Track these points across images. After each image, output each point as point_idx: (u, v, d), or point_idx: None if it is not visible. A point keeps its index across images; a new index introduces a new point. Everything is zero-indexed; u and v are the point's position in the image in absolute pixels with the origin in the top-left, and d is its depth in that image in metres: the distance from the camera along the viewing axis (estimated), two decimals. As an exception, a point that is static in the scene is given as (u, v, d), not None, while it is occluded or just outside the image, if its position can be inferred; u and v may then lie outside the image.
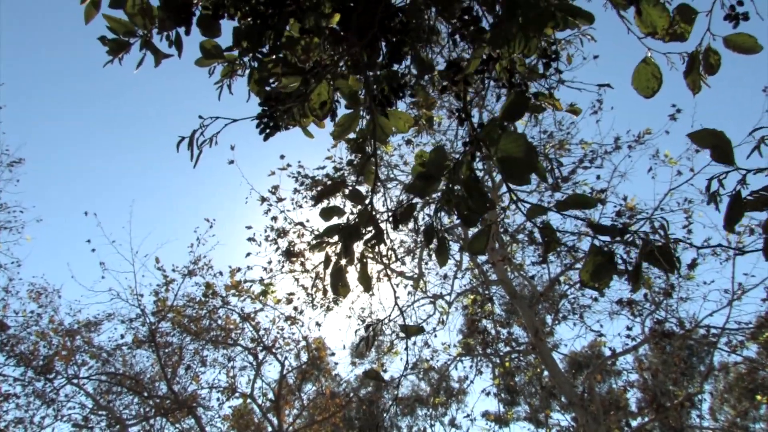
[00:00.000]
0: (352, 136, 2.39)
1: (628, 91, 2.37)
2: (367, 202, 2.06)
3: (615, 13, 2.37)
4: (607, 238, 1.71)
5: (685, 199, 9.59)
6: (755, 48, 2.20)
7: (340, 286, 2.01)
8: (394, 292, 2.46)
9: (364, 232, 2.04)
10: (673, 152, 10.34)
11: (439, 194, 1.95)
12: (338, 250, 2.01)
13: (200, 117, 2.25)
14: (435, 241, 2.04)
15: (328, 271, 2.01)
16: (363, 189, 2.24)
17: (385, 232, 2.08)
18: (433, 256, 11.24)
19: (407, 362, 3.06)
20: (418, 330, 2.43)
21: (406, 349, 2.70)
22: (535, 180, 10.47)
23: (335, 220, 2.09)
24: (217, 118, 2.27)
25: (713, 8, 2.22)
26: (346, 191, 2.13)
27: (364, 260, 2.04)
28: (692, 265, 9.66)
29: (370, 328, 2.41)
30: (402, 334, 11.00)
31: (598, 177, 10.26)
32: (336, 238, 2.01)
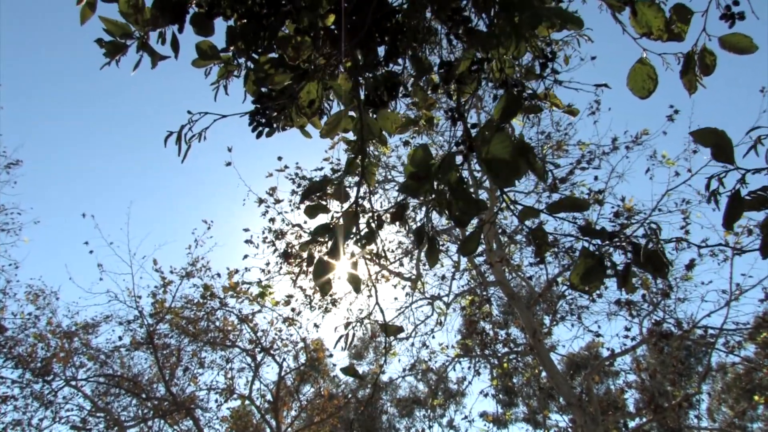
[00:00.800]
0: (349, 135, 2.39)
1: (625, 91, 2.36)
2: (351, 201, 2.05)
3: (610, 14, 2.37)
4: (598, 242, 1.71)
5: (683, 200, 9.61)
6: (750, 48, 2.20)
7: (324, 284, 2.01)
8: (376, 291, 2.46)
9: (354, 231, 2.04)
10: (670, 153, 10.35)
11: (431, 195, 1.95)
12: (326, 249, 2.00)
13: (189, 112, 2.25)
14: (425, 241, 2.03)
15: (311, 269, 2.01)
16: (351, 190, 2.24)
17: (376, 232, 2.08)
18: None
19: (385, 360, 3.06)
20: (398, 329, 2.44)
21: (385, 347, 2.69)
22: (533, 181, 10.47)
23: (321, 218, 2.09)
24: (206, 113, 2.28)
25: (709, 8, 2.22)
26: (331, 190, 2.13)
27: (355, 260, 2.03)
28: (690, 266, 9.66)
29: (350, 327, 2.41)
30: (399, 335, 11.00)
31: (596, 178, 10.27)
32: (327, 236, 2.00)
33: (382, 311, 2.39)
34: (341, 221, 1.96)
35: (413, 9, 2.39)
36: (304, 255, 10.42)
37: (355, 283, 2.04)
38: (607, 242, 1.70)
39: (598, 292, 9.93)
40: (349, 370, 2.42)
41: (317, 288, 2.02)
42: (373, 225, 2.08)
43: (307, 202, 2.13)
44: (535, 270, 11.44)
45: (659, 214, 9.48)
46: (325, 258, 1.97)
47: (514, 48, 2.06)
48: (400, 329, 2.42)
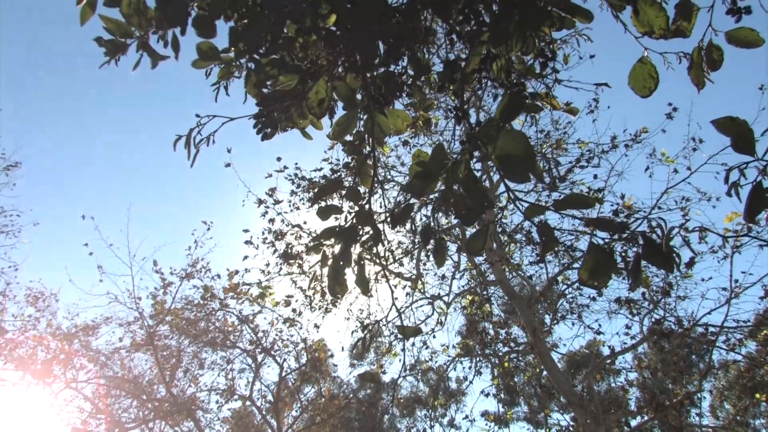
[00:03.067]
0: (349, 138, 2.38)
1: (625, 90, 2.36)
2: (364, 202, 2.05)
3: (610, 12, 2.37)
4: (606, 236, 1.70)
5: (683, 198, 9.61)
6: (757, 42, 2.18)
7: (337, 287, 2.00)
8: (392, 293, 2.45)
9: (361, 233, 2.03)
10: (670, 151, 10.35)
11: (436, 194, 1.94)
12: (336, 251, 1.99)
13: (197, 115, 2.24)
14: (432, 241, 2.03)
15: (325, 272, 2.00)
16: (361, 189, 2.23)
17: (383, 232, 2.07)
18: (431, 257, 11.26)
19: (404, 364, 3.06)
20: (416, 331, 2.42)
21: (404, 350, 2.68)
22: (533, 179, 10.49)
23: (332, 220, 2.08)
24: (215, 116, 2.27)
25: (714, 3, 2.21)
26: (344, 191, 2.12)
27: (362, 262, 2.02)
28: (690, 264, 9.66)
29: (367, 330, 2.40)
30: (400, 335, 11.00)
31: (595, 176, 10.28)
32: (333, 240, 1.99)
33: (399, 313, 2.38)
34: (354, 223, 1.95)
35: (412, 9, 2.39)
36: (307, 256, 10.40)
37: (363, 285, 2.04)
38: (617, 235, 1.68)
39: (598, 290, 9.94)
40: (367, 377, 2.42)
41: (331, 293, 2.01)
42: (386, 227, 2.07)
43: (319, 204, 2.12)
44: (536, 269, 11.45)
45: (659, 212, 9.49)
46: (339, 262, 1.95)
47: (522, 44, 2.05)
48: (419, 331, 2.42)
